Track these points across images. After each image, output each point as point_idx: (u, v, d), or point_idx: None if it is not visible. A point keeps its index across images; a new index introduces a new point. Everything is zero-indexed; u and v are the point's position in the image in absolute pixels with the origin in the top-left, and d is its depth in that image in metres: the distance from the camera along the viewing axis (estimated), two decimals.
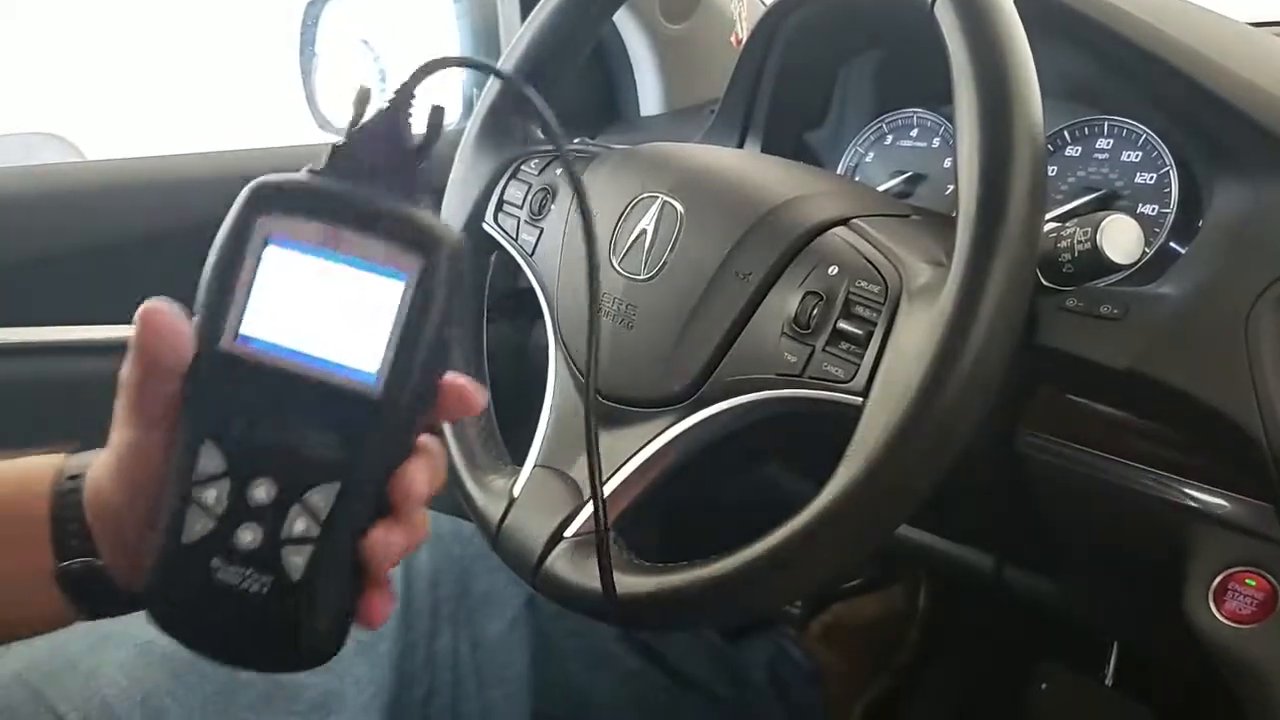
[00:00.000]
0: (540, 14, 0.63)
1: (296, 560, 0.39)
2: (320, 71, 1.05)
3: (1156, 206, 0.63)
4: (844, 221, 0.52)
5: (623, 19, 1.03)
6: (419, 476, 0.40)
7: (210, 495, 0.39)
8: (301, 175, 0.41)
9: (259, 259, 0.40)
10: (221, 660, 0.43)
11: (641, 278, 0.54)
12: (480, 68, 0.52)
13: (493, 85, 0.64)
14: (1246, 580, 0.51)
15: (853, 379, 0.47)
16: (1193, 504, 0.54)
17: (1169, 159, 0.63)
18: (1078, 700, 0.91)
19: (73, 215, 0.94)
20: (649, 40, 1.04)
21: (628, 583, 0.48)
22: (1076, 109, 0.68)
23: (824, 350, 0.48)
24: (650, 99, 1.06)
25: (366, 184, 0.41)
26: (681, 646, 0.74)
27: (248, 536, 0.39)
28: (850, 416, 0.46)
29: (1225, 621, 0.52)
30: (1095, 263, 0.49)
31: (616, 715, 0.67)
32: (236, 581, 0.39)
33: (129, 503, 0.41)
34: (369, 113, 0.41)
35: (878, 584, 1.03)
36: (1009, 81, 0.43)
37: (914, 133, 0.78)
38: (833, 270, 0.50)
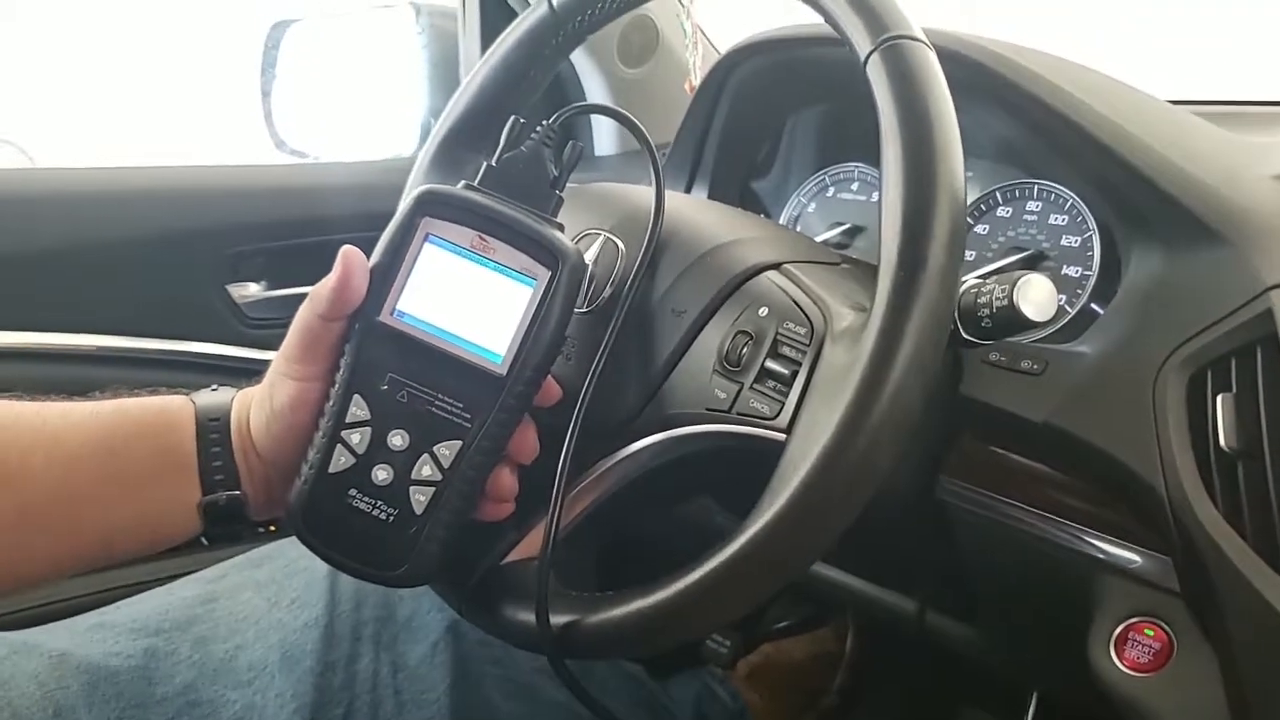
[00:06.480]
0: (499, 49, 0.64)
1: (420, 498, 0.48)
2: (279, 93, 1.06)
3: (1080, 268, 0.66)
4: (776, 266, 0.54)
5: (581, 61, 1.06)
6: (530, 439, 0.50)
7: (355, 437, 0.48)
8: (460, 188, 0.50)
9: (419, 252, 0.49)
10: (344, 568, 0.50)
11: (580, 310, 0.55)
12: (615, 116, 0.58)
13: (448, 117, 0.65)
14: (1145, 630, 0.53)
15: (777, 416, 0.48)
16: (1100, 555, 0.56)
17: (1092, 224, 0.66)
18: None
19: (25, 221, 0.94)
20: (605, 83, 1.06)
21: (558, 612, 0.49)
22: (1008, 171, 0.71)
23: (751, 388, 0.50)
24: (604, 140, 1.09)
25: (511, 202, 0.50)
26: (606, 681, 0.74)
27: (381, 474, 0.48)
28: (774, 452, 0.47)
29: (1126, 670, 0.54)
30: (1011, 319, 0.51)
31: None
32: (368, 509, 0.48)
33: (282, 445, 0.49)
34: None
35: (807, 625, 1.04)
36: (933, 139, 0.45)
37: (854, 186, 0.80)
38: (763, 311, 0.51)
